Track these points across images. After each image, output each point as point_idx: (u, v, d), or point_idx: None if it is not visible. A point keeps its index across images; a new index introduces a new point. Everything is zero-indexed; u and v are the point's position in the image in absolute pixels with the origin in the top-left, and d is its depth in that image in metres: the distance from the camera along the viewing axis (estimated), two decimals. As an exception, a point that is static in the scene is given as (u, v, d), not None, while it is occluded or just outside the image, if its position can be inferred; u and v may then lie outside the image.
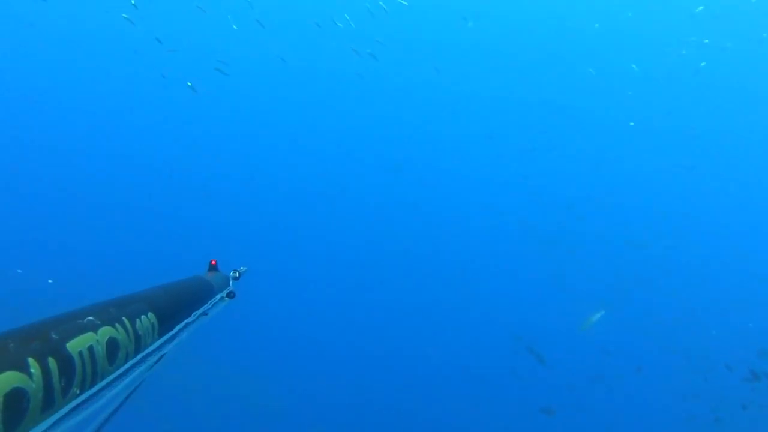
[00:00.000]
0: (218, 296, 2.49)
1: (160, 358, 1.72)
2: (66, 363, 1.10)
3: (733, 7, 26.16)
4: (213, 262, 2.82)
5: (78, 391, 1.14)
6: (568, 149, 27.03)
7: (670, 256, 23.28)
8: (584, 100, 28.85)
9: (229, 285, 2.75)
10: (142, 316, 1.57)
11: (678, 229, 24.46)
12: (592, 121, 28.31)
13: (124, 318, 1.45)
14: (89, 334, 1.23)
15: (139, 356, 1.51)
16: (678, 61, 27.13)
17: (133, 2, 18.38)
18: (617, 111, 28.06)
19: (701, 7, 24.90)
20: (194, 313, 2.09)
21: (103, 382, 1.27)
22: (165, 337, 1.73)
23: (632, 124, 26.63)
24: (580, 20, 29.46)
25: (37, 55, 27.53)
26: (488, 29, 30.53)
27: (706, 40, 26.31)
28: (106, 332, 1.31)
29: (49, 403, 1.03)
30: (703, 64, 25.77)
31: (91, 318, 1.30)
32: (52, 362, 1.05)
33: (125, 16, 18.42)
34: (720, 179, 25.98)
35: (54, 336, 1.11)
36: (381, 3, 24.13)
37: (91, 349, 1.21)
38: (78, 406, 1.16)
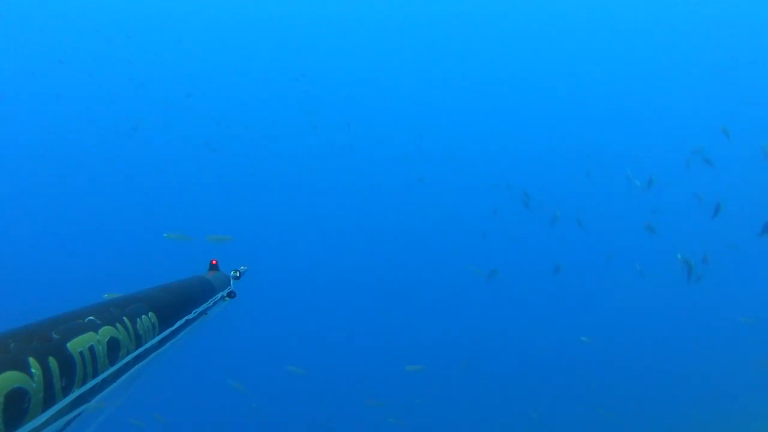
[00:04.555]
0: (219, 296, 2.49)
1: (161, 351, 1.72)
2: (67, 363, 1.10)
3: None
4: (214, 262, 2.82)
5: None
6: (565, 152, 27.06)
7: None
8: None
9: (229, 285, 2.76)
10: (143, 316, 1.57)
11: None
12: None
13: (124, 318, 1.45)
14: (90, 334, 1.23)
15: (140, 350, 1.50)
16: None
17: None
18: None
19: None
20: (195, 311, 2.08)
21: (100, 378, 1.26)
22: (165, 333, 1.73)
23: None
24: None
25: (39, 51, 27.61)
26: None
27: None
28: (106, 332, 1.31)
29: (49, 403, 1.02)
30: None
31: (91, 318, 1.30)
32: (52, 362, 1.04)
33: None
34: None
35: (55, 336, 1.11)
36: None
37: (91, 348, 1.21)
38: (78, 404, 1.16)
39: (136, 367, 1.50)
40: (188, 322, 2.00)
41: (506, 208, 21.71)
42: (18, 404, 0.92)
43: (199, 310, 2.14)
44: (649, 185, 15.79)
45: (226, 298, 2.65)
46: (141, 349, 1.51)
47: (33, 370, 0.98)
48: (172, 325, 1.80)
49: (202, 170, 26.84)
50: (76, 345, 1.16)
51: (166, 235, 9.63)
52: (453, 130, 29.44)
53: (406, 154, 26.30)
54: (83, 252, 21.41)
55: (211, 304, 2.33)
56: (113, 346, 1.33)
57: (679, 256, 13.62)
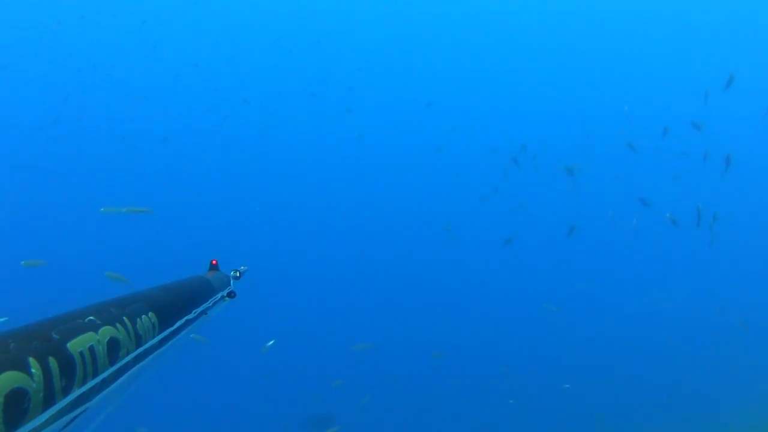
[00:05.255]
0: (219, 296, 2.49)
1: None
2: (67, 363, 1.10)
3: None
4: (214, 262, 2.82)
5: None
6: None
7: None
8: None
9: (229, 285, 2.76)
10: (143, 316, 1.57)
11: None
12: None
13: (124, 318, 1.45)
14: (90, 334, 1.23)
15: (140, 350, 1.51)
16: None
17: None
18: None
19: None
20: (195, 311, 2.09)
21: (100, 378, 1.26)
22: (165, 333, 1.73)
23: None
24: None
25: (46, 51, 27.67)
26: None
27: None
28: (106, 332, 1.31)
29: (49, 403, 1.02)
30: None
31: (91, 318, 1.30)
32: (52, 362, 1.04)
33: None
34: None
35: (55, 336, 1.11)
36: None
37: (91, 348, 1.21)
38: (78, 404, 1.16)
39: (136, 367, 1.50)
40: (188, 322, 2.00)
41: (514, 172, 21.46)
42: (18, 404, 0.92)
43: (199, 310, 2.14)
44: (664, 134, 15.78)
45: (226, 298, 2.65)
46: (141, 349, 1.51)
47: (33, 370, 0.98)
48: (172, 325, 1.81)
49: (203, 170, 26.84)
50: (76, 345, 1.15)
51: (102, 209, 9.56)
52: (454, 101, 29.69)
53: (404, 155, 26.31)
54: (83, 252, 21.38)
55: (211, 304, 2.33)
56: (113, 346, 1.33)
57: (668, 215, 13.73)
